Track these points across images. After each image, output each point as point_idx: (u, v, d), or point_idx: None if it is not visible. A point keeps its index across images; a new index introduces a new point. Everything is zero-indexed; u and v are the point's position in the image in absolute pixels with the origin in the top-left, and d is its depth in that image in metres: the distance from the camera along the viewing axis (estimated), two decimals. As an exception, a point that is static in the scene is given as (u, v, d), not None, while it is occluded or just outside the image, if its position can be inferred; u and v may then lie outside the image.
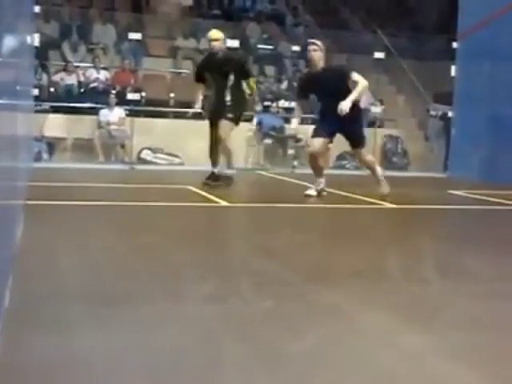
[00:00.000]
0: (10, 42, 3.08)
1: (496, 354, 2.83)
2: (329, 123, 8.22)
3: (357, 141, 8.37)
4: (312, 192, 8.27)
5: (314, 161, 8.38)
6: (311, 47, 8.32)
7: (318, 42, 8.38)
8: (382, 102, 16.02)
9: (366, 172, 8.80)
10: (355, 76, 8.13)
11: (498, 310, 3.55)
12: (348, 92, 7.96)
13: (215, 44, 9.25)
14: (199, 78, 9.56)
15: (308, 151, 8.77)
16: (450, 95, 14.07)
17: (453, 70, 13.91)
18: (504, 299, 3.78)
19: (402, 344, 2.92)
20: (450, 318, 3.35)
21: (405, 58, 16.37)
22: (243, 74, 9.19)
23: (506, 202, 8.49)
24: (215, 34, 9.45)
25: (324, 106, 8.45)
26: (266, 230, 6.18)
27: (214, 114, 9.13)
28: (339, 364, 2.65)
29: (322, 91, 8.28)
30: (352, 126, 8.19)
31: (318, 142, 8.27)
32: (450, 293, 3.92)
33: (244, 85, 9.17)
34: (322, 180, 8.37)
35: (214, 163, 9.13)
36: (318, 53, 8.23)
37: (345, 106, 7.79)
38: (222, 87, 9.06)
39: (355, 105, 8.05)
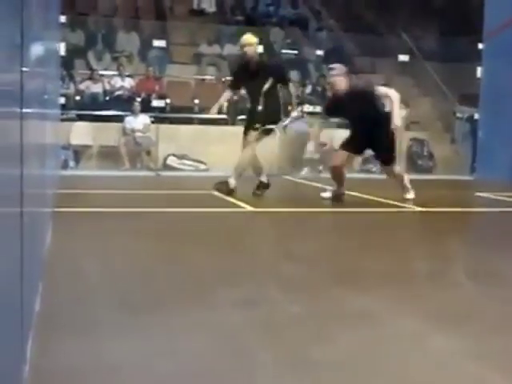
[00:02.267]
0: (37, 51, 3.12)
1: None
2: (359, 142, 8.19)
3: (387, 158, 8.32)
4: (327, 195, 8.36)
5: (336, 172, 8.33)
6: (332, 72, 8.28)
7: (338, 66, 8.30)
8: (407, 105, 15.95)
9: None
10: (382, 90, 8.21)
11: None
12: (375, 109, 8.11)
13: (249, 49, 8.80)
14: (236, 86, 9.27)
15: (331, 165, 8.60)
16: (476, 97, 13.98)
17: (479, 72, 13.82)
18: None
19: (432, 348, 2.91)
20: (481, 322, 3.33)
21: (430, 60, 16.29)
22: (282, 80, 8.79)
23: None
24: (249, 38, 9.01)
25: (354, 126, 8.37)
26: (292, 234, 6.17)
27: (248, 123, 8.84)
28: (368, 369, 2.65)
29: (350, 114, 8.20)
30: (383, 144, 8.12)
31: (342, 156, 8.27)
32: (480, 297, 3.90)
33: (280, 91, 8.74)
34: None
35: (258, 173, 8.80)
36: (339, 77, 8.14)
37: (397, 122, 7.96)
38: (256, 95, 8.64)
39: (388, 122, 7.98)
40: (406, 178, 8.46)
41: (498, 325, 3.28)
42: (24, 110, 2.17)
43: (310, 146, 11.63)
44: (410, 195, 8.20)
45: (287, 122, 8.92)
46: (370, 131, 8.01)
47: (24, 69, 2.15)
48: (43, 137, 4.23)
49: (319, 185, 10.77)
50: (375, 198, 8.57)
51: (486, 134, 12.91)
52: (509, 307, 3.63)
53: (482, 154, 13.33)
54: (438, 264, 4.93)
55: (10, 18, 1.81)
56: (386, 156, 8.32)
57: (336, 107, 8.34)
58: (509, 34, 12.57)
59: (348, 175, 8.46)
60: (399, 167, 8.76)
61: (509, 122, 12.29)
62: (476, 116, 14.15)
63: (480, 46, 13.85)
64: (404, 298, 3.75)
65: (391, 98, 8.10)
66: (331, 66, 8.46)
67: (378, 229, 6.71)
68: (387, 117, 8.06)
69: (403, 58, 15.83)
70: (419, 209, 7.70)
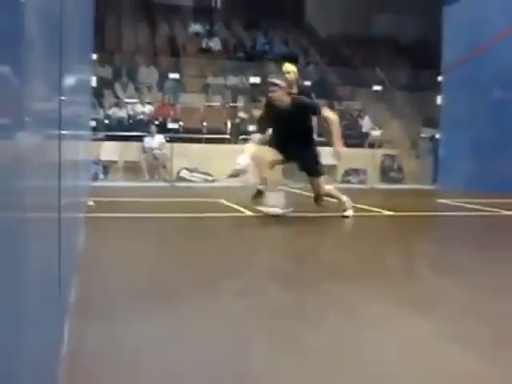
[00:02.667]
0: (72, 83, 3.12)
1: (496, 340, 2.79)
2: (283, 152, 7.06)
3: (312, 170, 7.19)
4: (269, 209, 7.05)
5: (257, 161, 7.04)
6: (271, 88, 7.02)
7: (279, 82, 7.06)
8: (380, 127, 16.00)
9: (369, 186, 8.73)
10: (324, 113, 7.05)
11: (492, 300, 3.51)
12: (305, 124, 7.05)
13: (289, 77, 7.48)
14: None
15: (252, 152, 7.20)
16: (437, 120, 14.03)
17: (439, 99, 13.87)
18: (495, 291, 3.72)
19: (406, 330, 2.90)
20: (448, 307, 3.32)
21: (399, 89, 16.38)
22: (315, 112, 7.10)
23: (485, 208, 8.43)
24: (290, 66, 7.70)
25: (279, 136, 7.13)
26: (285, 234, 6.17)
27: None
28: (350, 349, 2.64)
29: (280, 125, 7.05)
30: (306, 156, 7.08)
31: (268, 149, 7.11)
32: (446, 286, 3.88)
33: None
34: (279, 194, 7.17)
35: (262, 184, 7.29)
36: (278, 92, 6.93)
37: (338, 149, 6.99)
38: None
39: (311, 133, 7.14)
40: (334, 191, 7.34)
41: (464, 309, 3.27)
42: (61, 132, 2.16)
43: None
44: (349, 212, 7.11)
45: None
46: (293, 144, 6.89)
47: (62, 97, 2.14)
48: (77, 154, 4.23)
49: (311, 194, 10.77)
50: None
51: (445, 151, 12.93)
52: (471, 294, 3.62)
53: (442, 168, 13.36)
54: (407, 259, 4.92)
55: (52, 56, 1.80)
56: (310, 167, 7.16)
57: (271, 116, 7.13)
58: (462, 70, 12.63)
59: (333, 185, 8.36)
60: (328, 186, 7.47)
61: (464, 140, 12.33)
62: (437, 136, 14.18)
63: (439, 78, 13.91)
64: (379, 288, 3.74)
65: (329, 120, 6.94)
66: (271, 80, 7.19)
67: (355, 230, 6.70)
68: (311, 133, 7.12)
69: (377, 87, 15.91)
70: (390, 213, 7.69)
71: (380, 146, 15.46)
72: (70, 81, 2.77)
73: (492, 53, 11.71)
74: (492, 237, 6.24)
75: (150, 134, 13.64)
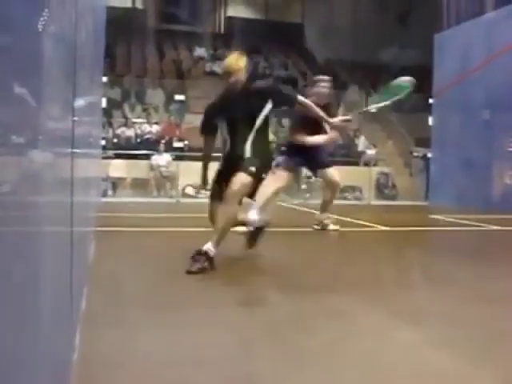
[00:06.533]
0: (84, 104, 3.15)
1: (482, 346, 2.79)
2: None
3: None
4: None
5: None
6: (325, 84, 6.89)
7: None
8: (375, 146, 16.05)
9: (364, 202, 8.73)
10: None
11: (479, 309, 3.51)
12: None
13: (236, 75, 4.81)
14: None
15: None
16: (429, 140, 14.07)
17: (430, 120, 13.93)
18: (482, 300, 3.73)
19: (398, 339, 2.90)
20: (438, 317, 3.32)
21: (392, 111, 16.43)
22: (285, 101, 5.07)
23: (475, 223, 8.44)
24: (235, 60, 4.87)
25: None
26: (283, 248, 6.16)
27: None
28: (345, 355, 2.63)
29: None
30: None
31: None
32: (437, 296, 3.88)
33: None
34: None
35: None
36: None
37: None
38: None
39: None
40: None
41: (454, 319, 3.27)
42: (74, 150, 2.18)
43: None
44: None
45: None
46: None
47: (74, 118, 2.17)
48: (88, 171, 4.25)
49: (305, 209, 10.78)
50: (348, 219, 8.57)
51: (437, 169, 12.95)
52: (461, 305, 3.61)
53: (433, 185, 13.37)
54: (402, 271, 4.92)
55: (65, 79, 1.83)
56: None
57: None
58: (452, 93, 12.70)
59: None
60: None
61: (454, 159, 12.36)
62: (429, 155, 14.22)
63: (431, 100, 13.98)
64: (374, 298, 3.74)
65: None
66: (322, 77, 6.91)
67: (352, 244, 6.70)
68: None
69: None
70: (385, 228, 7.69)
71: (375, 165, 15.49)
72: (82, 102, 2.80)
73: (479, 77, 11.78)
74: (482, 250, 6.25)
75: (158, 153, 13.70)
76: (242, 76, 4.83)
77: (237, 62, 4.83)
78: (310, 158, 6.92)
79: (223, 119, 4.99)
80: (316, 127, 6.45)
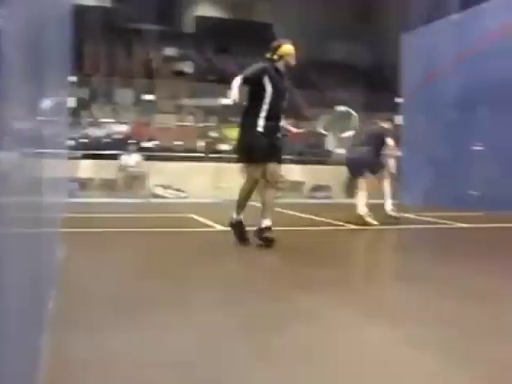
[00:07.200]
0: (51, 104, 3.11)
1: (457, 344, 2.83)
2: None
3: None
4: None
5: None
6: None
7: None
8: (344, 145, 16.16)
9: (334, 201, 8.77)
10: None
11: (454, 307, 3.55)
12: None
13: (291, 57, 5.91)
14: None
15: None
16: (398, 140, 14.20)
17: (399, 120, 14.07)
18: (456, 298, 3.77)
19: (370, 336, 2.92)
20: (410, 315, 3.36)
21: (361, 111, 16.55)
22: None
23: (442, 221, 8.57)
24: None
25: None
26: (255, 248, 6.16)
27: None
28: (318, 353, 2.65)
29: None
30: None
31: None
32: (408, 294, 3.92)
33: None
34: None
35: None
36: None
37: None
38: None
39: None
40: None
41: (424, 317, 3.30)
42: (39, 151, 2.15)
43: None
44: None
45: None
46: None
47: (41, 118, 2.14)
48: (55, 171, 4.19)
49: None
50: (318, 218, 8.63)
51: (406, 168, 13.09)
52: (431, 302, 3.65)
53: (403, 184, 13.51)
54: (375, 269, 4.97)
55: (31, 78, 1.80)
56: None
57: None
58: (419, 92, 12.87)
59: (299, 200, 8.41)
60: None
61: (422, 159, 12.51)
62: (398, 154, 14.35)
63: (398, 100, 14.13)
64: (346, 297, 3.77)
65: None
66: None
67: (322, 243, 6.72)
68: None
69: (341, 108, 16.05)
70: (355, 227, 7.75)
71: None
72: (47, 102, 2.76)
73: (446, 77, 11.95)
74: (452, 248, 6.33)
75: (128, 152, 13.60)
76: (292, 61, 5.86)
77: (293, 48, 5.85)
78: None
79: (272, 87, 5.63)
80: None
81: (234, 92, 5.35)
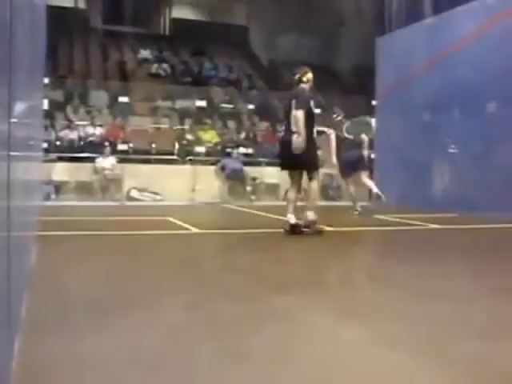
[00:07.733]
0: (24, 106, 3.08)
1: (427, 344, 2.85)
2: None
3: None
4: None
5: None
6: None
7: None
8: (319, 148, 16.23)
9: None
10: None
11: (422, 305, 3.59)
12: None
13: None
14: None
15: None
16: (372, 142, 14.30)
17: (373, 122, 14.16)
18: (428, 298, 3.81)
19: (343, 336, 2.94)
20: (383, 314, 3.38)
21: (336, 113, 16.66)
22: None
23: (415, 222, 8.66)
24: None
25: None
26: (229, 250, 6.17)
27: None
28: (293, 353, 2.65)
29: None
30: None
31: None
32: (380, 295, 3.95)
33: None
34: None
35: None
36: None
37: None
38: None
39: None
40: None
41: (395, 317, 3.33)
42: (11, 153, 2.13)
43: None
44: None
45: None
46: None
47: (12, 120, 2.12)
48: (29, 174, 4.14)
49: (252, 210, 10.83)
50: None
51: (380, 170, 13.19)
52: (407, 303, 3.68)
53: (376, 185, 13.60)
54: (348, 270, 4.99)
55: (1, 80, 1.78)
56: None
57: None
58: (393, 95, 12.99)
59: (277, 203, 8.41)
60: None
61: (395, 160, 12.63)
62: (372, 156, 14.45)
63: (374, 102, 14.23)
64: (320, 297, 3.78)
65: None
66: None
67: (295, 245, 6.73)
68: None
69: (317, 111, 16.13)
70: (329, 228, 7.78)
71: (321, 166, 15.65)
72: (20, 104, 2.73)
73: (420, 79, 12.07)
74: (425, 249, 6.39)
75: (104, 155, 13.49)
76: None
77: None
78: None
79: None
80: None
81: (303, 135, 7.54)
